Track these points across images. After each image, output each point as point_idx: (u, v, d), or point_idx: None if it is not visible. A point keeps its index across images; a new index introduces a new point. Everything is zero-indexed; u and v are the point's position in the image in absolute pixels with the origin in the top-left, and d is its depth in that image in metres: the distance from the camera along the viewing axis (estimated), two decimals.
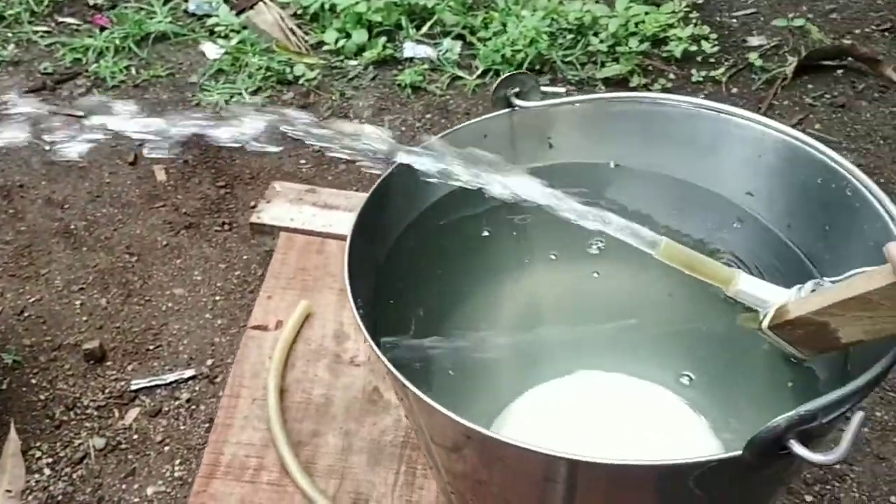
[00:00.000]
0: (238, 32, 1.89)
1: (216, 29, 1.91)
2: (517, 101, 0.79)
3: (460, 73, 1.80)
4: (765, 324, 0.60)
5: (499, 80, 0.77)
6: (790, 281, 0.66)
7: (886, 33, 1.93)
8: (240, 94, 1.75)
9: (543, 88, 0.80)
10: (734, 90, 1.78)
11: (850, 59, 1.82)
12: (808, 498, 1.08)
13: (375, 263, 0.75)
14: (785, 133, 0.72)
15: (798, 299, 0.58)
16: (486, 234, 0.81)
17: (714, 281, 0.64)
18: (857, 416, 0.49)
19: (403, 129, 1.68)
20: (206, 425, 1.15)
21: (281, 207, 1.34)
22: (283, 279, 1.22)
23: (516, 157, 0.82)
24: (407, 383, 0.56)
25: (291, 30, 1.89)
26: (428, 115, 1.71)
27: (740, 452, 0.49)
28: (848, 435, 0.48)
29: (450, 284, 0.79)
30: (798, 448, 0.48)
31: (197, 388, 1.21)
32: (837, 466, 1.11)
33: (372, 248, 0.74)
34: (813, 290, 0.61)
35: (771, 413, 0.49)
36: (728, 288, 0.63)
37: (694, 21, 1.88)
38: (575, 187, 0.70)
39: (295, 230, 1.29)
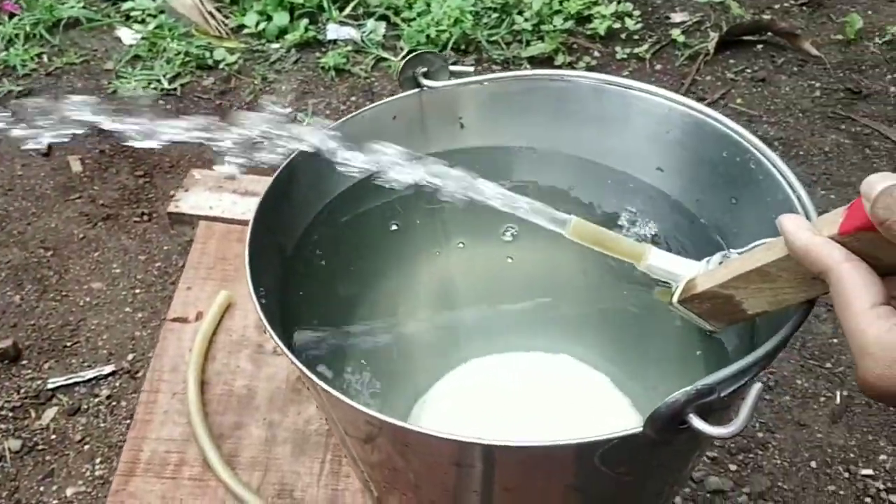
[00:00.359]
0: (155, 17, 1.84)
1: (132, 13, 1.86)
2: (425, 82, 0.77)
3: (385, 55, 1.78)
4: (675, 298, 0.60)
5: (405, 60, 0.76)
6: (702, 256, 0.67)
7: (804, 8, 1.97)
8: (158, 80, 1.70)
9: (452, 68, 0.78)
10: (658, 67, 1.79)
11: (769, 33, 1.85)
12: (733, 467, 1.10)
13: (283, 253, 0.73)
14: (690, 107, 0.72)
15: (705, 273, 0.58)
16: (397, 222, 0.79)
17: (625, 257, 0.63)
18: (755, 389, 0.49)
19: (328, 112, 1.65)
20: (128, 422, 1.12)
21: (200, 195, 1.31)
22: (203, 269, 1.19)
23: (427, 138, 0.81)
24: (311, 376, 0.55)
25: (211, 13, 1.85)
26: (353, 98, 1.69)
27: (641, 429, 0.49)
28: (745, 407, 0.48)
29: (362, 273, 0.78)
30: (696, 422, 0.48)
31: (117, 385, 1.18)
32: (760, 434, 1.14)
33: (278, 236, 0.72)
34: (720, 263, 0.61)
35: (683, 385, 0.48)
36: (639, 263, 0.63)
37: None
38: (485, 170, 0.70)
39: (214, 218, 1.26)
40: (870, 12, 1.94)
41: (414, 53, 0.77)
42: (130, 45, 1.78)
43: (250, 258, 0.64)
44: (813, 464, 1.10)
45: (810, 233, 0.45)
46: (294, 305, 0.71)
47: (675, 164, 0.76)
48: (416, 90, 0.78)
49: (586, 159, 0.78)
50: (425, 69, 0.78)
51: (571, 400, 0.77)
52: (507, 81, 0.79)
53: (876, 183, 0.40)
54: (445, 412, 0.78)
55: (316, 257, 0.75)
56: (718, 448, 1.11)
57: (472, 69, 0.78)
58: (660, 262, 0.61)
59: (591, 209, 0.78)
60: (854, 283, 0.42)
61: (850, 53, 1.81)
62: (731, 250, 0.59)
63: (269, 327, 0.57)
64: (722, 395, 0.49)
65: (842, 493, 1.07)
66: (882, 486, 1.07)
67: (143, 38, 1.79)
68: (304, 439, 1.00)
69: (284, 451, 0.99)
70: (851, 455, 1.10)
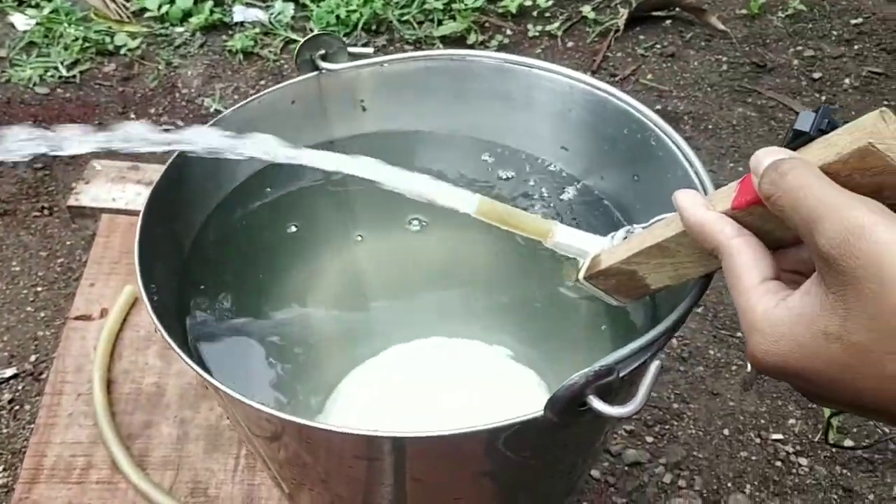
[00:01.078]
0: (50, 1, 1.75)
1: None
2: (323, 64, 0.75)
3: (294, 37, 1.74)
4: (581, 275, 0.60)
5: (301, 42, 0.74)
6: (606, 234, 0.67)
7: None
8: (55, 67, 1.63)
9: (351, 49, 0.76)
10: (570, 44, 1.80)
11: (677, 9, 1.87)
12: (649, 439, 1.12)
13: (180, 245, 0.70)
14: (591, 85, 0.72)
15: (608, 249, 0.58)
16: (302, 212, 0.77)
17: (532, 234, 0.62)
18: (653, 366, 0.49)
19: (236, 97, 1.61)
20: (33, 426, 1.07)
21: (101, 187, 1.25)
22: (107, 264, 1.14)
23: (329, 123, 0.79)
24: (206, 376, 0.53)
25: None
26: (262, 82, 1.65)
27: (541, 413, 0.48)
28: (643, 386, 0.48)
29: (266, 266, 0.75)
30: (596, 403, 0.47)
31: (20, 388, 1.13)
32: (675, 405, 1.16)
33: (174, 228, 0.70)
34: (625, 238, 0.60)
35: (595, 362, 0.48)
36: (546, 240, 0.62)
37: None
38: (388, 156, 0.68)
39: (118, 211, 1.22)
40: None
41: (311, 35, 0.75)
42: (24, 31, 1.70)
43: (141, 252, 0.61)
44: (726, 431, 1.13)
45: (704, 208, 0.45)
46: (194, 300, 0.69)
47: (578, 142, 0.76)
48: (315, 73, 0.76)
49: (491, 141, 0.78)
50: (323, 52, 0.76)
51: (484, 384, 0.76)
52: (407, 62, 0.77)
53: (763, 158, 0.41)
54: (357, 403, 0.76)
55: (216, 250, 0.73)
56: (635, 421, 1.13)
57: (371, 51, 0.76)
58: (566, 238, 0.61)
59: (496, 192, 0.78)
60: (744, 258, 0.42)
61: (755, 27, 1.85)
62: (635, 226, 0.59)
63: (158, 324, 0.55)
64: (621, 374, 0.49)
65: (754, 458, 1.10)
66: (791, 450, 1.10)
67: (37, 24, 1.71)
68: (217, 435, 0.97)
69: (197, 449, 0.96)
70: (762, 421, 1.13)
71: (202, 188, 0.72)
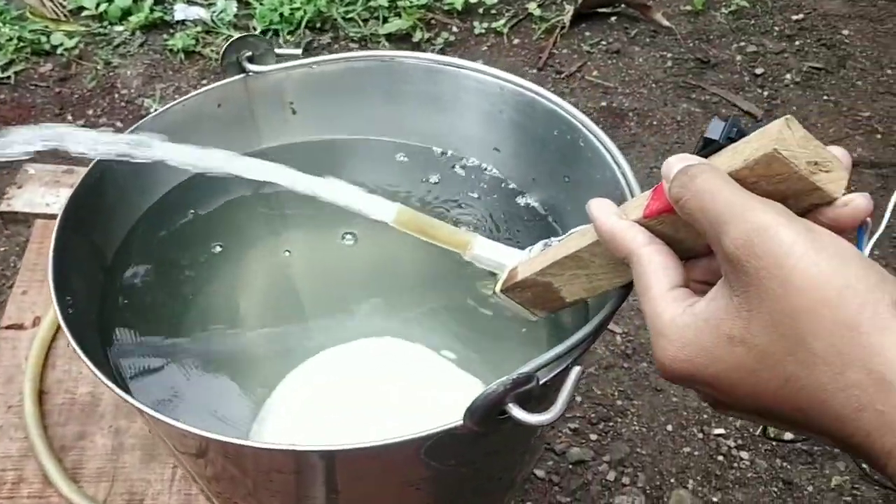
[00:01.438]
0: None
1: None
2: (250, 66, 0.74)
3: (237, 35, 1.71)
4: (497, 287, 0.59)
5: (227, 44, 0.72)
6: (537, 238, 0.66)
7: None
8: None
9: (278, 51, 0.75)
10: (516, 41, 1.80)
11: (622, 5, 1.88)
12: (593, 436, 1.12)
13: (101, 256, 0.68)
14: (521, 86, 0.72)
15: (525, 261, 0.57)
16: (230, 223, 0.75)
17: (450, 246, 0.62)
18: (574, 373, 0.49)
19: (177, 96, 1.57)
20: None
21: (35, 192, 1.22)
22: (40, 271, 1.11)
23: (258, 127, 0.78)
24: (122, 393, 0.52)
25: None
26: (204, 81, 1.62)
27: (460, 422, 0.48)
28: (563, 393, 0.47)
29: (192, 277, 0.74)
30: (516, 411, 0.47)
31: None
32: (619, 402, 1.16)
33: (94, 238, 0.68)
34: (542, 250, 0.60)
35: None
36: (465, 252, 0.61)
37: None
38: (316, 159, 0.67)
39: (52, 216, 1.18)
40: None
41: (236, 37, 0.73)
42: None
43: (56, 262, 0.60)
44: (669, 427, 1.13)
45: (616, 217, 0.45)
46: (115, 313, 0.67)
47: (510, 144, 0.75)
48: (242, 76, 0.74)
49: (421, 143, 0.77)
50: (250, 53, 0.74)
51: (418, 386, 0.76)
52: (337, 63, 0.76)
53: (674, 164, 0.41)
54: (290, 413, 0.75)
55: (138, 263, 0.71)
56: (579, 419, 1.13)
57: (299, 52, 0.75)
58: (484, 251, 0.60)
59: (426, 196, 0.77)
60: (654, 266, 0.42)
61: (699, 23, 1.86)
62: (552, 238, 0.58)
63: (71, 339, 0.53)
64: (541, 381, 0.48)
65: (696, 453, 1.11)
66: (733, 444, 1.11)
67: None
68: (153, 445, 0.95)
69: (133, 459, 0.94)
70: (705, 416, 1.14)
71: (124, 196, 0.70)
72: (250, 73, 0.74)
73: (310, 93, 0.77)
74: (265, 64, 0.75)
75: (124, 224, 0.71)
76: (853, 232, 0.38)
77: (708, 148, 0.43)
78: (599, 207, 0.46)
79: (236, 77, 0.74)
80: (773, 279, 0.34)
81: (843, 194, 0.38)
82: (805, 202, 0.38)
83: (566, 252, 0.51)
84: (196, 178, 0.74)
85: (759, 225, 0.35)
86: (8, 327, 1.05)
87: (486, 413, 0.47)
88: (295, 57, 0.75)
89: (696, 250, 0.43)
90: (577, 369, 0.49)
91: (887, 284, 0.34)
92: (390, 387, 0.75)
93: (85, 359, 0.52)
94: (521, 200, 0.75)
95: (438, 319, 0.78)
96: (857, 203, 0.38)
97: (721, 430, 1.13)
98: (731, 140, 0.42)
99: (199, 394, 0.70)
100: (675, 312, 0.39)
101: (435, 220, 0.61)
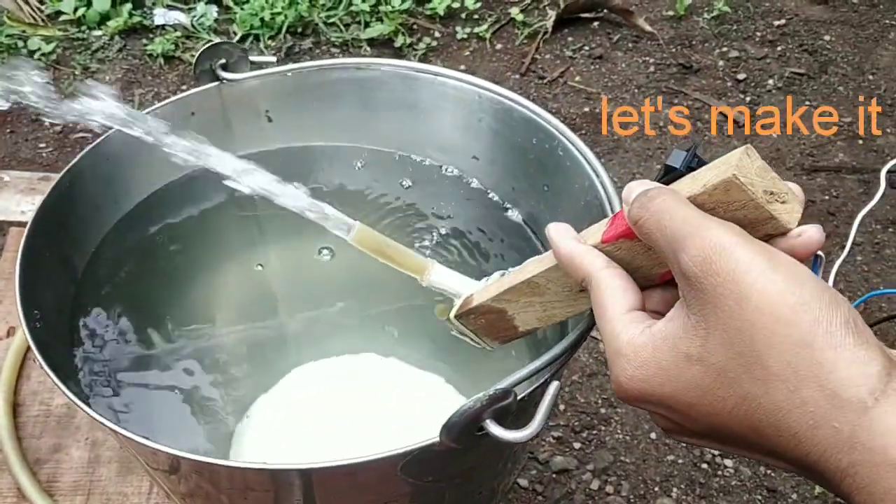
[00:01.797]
0: None
1: None
2: (224, 74, 0.73)
3: (217, 40, 1.69)
4: (452, 313, 0.58)
5: (199, 52, 0.71)
6: (515, 247, 0.65)
7: None
8: None
9: (253, 58, 0.74)
10: (498, 46, 1.79)
11: (605, 10, 1.87)
12: (577, 445, 1.11)
13: (72, 268, 0.67)
14: (499, 94, 0.71)
15: (482, 288, 0.56)
16: (205, 235, 0.74)
17: (407, 270, 0.60)
18: (552, 388, 0.48)
19: (156, 102, 1.56)
20: None
21: (10, 199, 1.21)
22: None
23: (233, 135, 0.76)
24: (90, 411, 0.50)
25: None
26: (184, 87, 1.61)
27: (437, 439, 0.47)
28: (542, 408, 0.47)
29: (166, 290, 0.72)
30: (493, 427, 0.46)
31: None
32: (603, 410, 1.16)
33: (65, 249, 0.66)
34: (499, 279, 0.59)
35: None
36: (421, 278, 0.60)
37: None
38: (291, 167, 0.65)
39: (27, 224, 1.17)
40: None
41: (209, 44, 0.72)
42: None
43: (24, 274, 0.59)
44: (653, 435, 1.13)
45: (575, 241, 0.45)
46: (87, 328, 0.66)
47: (489, 152, 0.75)
48: (216, 83, 0.73)
49: (398, 151, 0.76)
50: (224, 61, 0.73)
51: (397, 405, 0.75)
52: (312, 72, 0.75)
53: (635, 188, 0.41)
54: (267, 431, 0.74)
55: (110, 274, 0.70)
56: (563, 427, 1.13)
57: (273, 59, 0.74)
58: (441, 278, 0.59)
59: (410, 205, 0.76)
60: (612, 288, 0.42)
61: (682, 29, 1.86)
62: (510, 269, 0.57)
63: (38, 354, 0.52)
64: (519, 397, 0.47)
65: (680, 461, 1.10)
66: (717, 452, 1.11)
67: None
68: (130, 457, 0.94)
69: (109, 472, 0.92)
70: None
71: (96, 206, 0.69)
72: (224, 81, 0.73)
73: (285, 100, 0.76)
74: (240, 72, 0.74)
75: (96, 235, 0.70)
76: (807, 264, 0.38)
77: (669, 175, 0.44)
78: (558, 231, 0.46)
79: (210, 85, 0.73)
80: (729, 296, 0.34)
81: (798, 225, 0.38)
82: (760, 231, 0.38)
83: (523, 277, 0.50)
84: (169, 187, 0.73)
85: (717, 243, 0.35)
86: None
87: (463, 430, 0.46)
88: (269, 64, 0.74)
89: (652, 279, 0.43)
90: (555, 384, 0.48)
91: (840, 305, 0.34)
92: (368, 403, 0.75)
93: (50, 373, 0.51)
94: (500, 209, 0.74)
95: (417, 336, 0.77)
96: (811, 234, 0.38)
97: None
98: (692, 169, 0.43)
99: (174, 410, 0.68)
100: (632, 333, 0.39)
101: (394, 243, 0.60)
